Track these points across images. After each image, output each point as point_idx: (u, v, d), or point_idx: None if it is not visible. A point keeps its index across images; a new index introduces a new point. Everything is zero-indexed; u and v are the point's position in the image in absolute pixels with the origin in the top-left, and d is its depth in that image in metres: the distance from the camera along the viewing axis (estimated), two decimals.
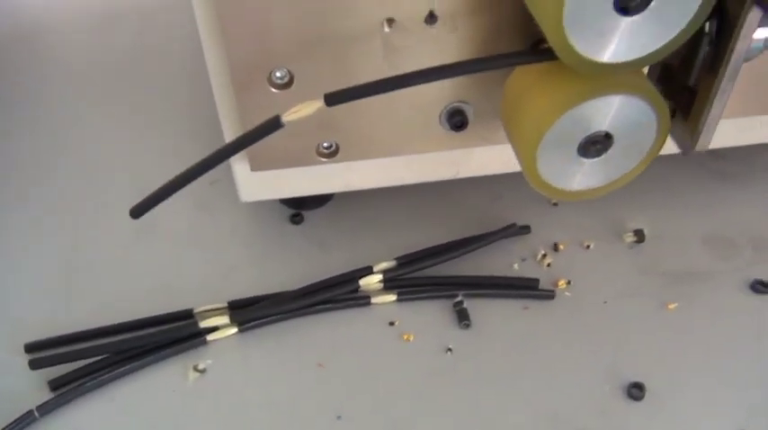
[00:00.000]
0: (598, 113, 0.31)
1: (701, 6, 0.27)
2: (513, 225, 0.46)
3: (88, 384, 0.38)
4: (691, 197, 0.49)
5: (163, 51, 0.66)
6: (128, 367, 0.39)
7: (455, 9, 0.34)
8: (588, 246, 0.45)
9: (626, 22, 0.27)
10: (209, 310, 0.42)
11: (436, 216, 0.48)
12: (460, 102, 0.39)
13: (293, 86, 0.37)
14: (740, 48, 0.28)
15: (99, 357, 0.39)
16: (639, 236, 0.46)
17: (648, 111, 0.31)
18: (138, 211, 0.35)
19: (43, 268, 0.46)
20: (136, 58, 0.65)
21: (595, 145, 0.32)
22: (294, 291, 0.43)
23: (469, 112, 0.39)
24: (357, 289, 0.43)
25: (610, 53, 0.28)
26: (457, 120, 0.39)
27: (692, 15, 0.27)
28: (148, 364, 0.40)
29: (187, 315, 0.42)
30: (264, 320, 0.42)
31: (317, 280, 0.44)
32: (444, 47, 0.36)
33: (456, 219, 0.47)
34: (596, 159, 0.33)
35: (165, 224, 0.49)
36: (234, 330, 0.41)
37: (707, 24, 0.30)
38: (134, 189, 0.51)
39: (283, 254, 0.46)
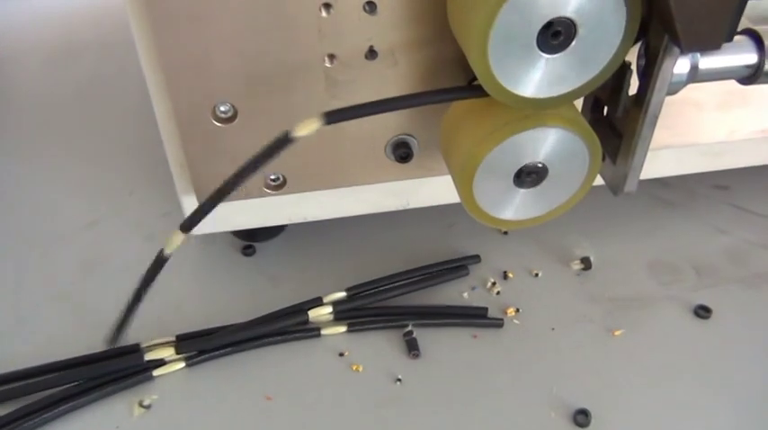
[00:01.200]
0: (532, 146, 0.32)
1: (620, 47, 0.28)
2: (465, 268, 0.46)
3: (31, 423, 0.38)
4: (636, 224, 0.50)
5: (120, 83, 0.66)
6: (71, 404, 0.39)
7: (395, 45, 0.35)
8: (537, 274, 0.46)
9: (548, 59, 0.28)
10: (156, 345, 0.41)
11: (388, 245, 0.48)
12: (405, 134, 0.39)
13: (237, 120, 0.37)
14: (659, 89, 0.30)
15: (43, 394, 0.39)
16: (586, 263, 0.46)
17: (581, 145, 0.32)
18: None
19: None
20: (92, 90, 0.65)
21: (530, 175, 0.33)
22: (243, 324, 0.43)
23: (414, 145, 0.40)
24: (307, 320, 0.43)
25: (533, 88, 0.29)
26: (402, 152, 0.39)
27: (611, 55, 0.28)
28: (93, 401, 0.39)
29: (134, 349, 0.41)
30: (213, 354, 0.41)
31: (269, 312, 0.44)
32: (385, 80, 0.36)
33: (408, 249, 0.48)
34: (532, 189, 0.33)
35: (115, 257, 0.48)
36: (181, 365, 0.41)
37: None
38: (83, 222, 0.51)
39: (234, 286, 0.46)
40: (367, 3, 0.34)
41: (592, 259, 0.46)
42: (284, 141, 0.30)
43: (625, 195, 0.34)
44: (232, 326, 0.43)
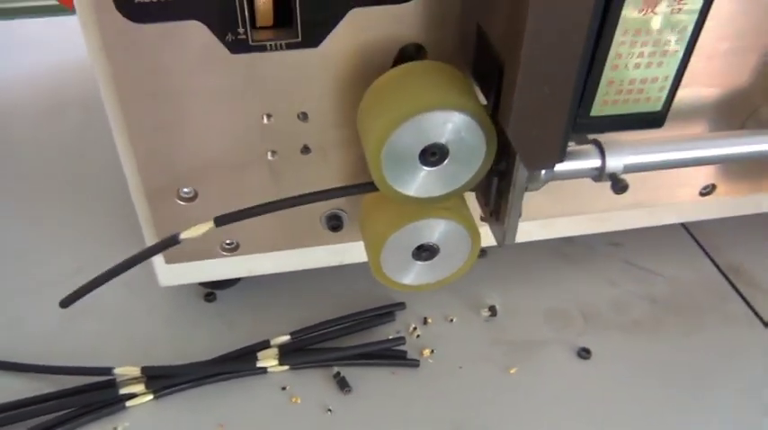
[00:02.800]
0: (427, 230, 0.41)
1: (481, 166, 0.37)
2: (392, 314, 0.55)
3: None
4: (540, 276, 0.59)
5: (101, 139, 0.74)
6: None
7: (324, 144, 0.44)
8: (452, 320, 0.55)
9: (426, 171, 0.37)
10: (129, 380, 0.50)
11: (327, 294, 0.57)
12: (337, 209, 0.48)
13: (198, 200, 0.46)
14: (517, 196, 0.39)
15: (31, 422, 0.47)
16: (493, 311, 0.55)
17: (464, 231, 0.41)
18: (67, 302, 0.43)
19: None
20: (77, 146, 0.73)
21: (425, 252, 0.42)
22: (203, 362, 0.51)
23: (345, 217, 0.48)
24: (256, 360, 0.51)
25: (414, 190, 0.38)
26: (334, 223, 0.48)
27: (475, 172, 0.38)
28: (74, 428, 0.47)
29: (110, 384, 0.49)
30: (177, 388, 0.50)
31: (225, 351, 0.52)
32: (318, 172, 0.45)
33: (344, 297, 0.56)
34: (427, 262, 0.42)
35: (94, 302, 0.56)
36: (150, 397, 0.49)
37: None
38: (69, 269, 0.59)
39: (197, 328, 0.54)
40: (300, 113, 0.43)
41: (498, 307, 0.56)
42: (173, 241, 0.39)
43: (506, 246, 0.43)
44: (194, 364, 0.51)
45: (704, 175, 0.54)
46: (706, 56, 0.45)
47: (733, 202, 0.57)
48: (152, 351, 0.53)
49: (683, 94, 0.48)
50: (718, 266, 0.61)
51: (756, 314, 0.57)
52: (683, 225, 0.64)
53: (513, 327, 0.54)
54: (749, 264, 0.61)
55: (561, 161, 0.37)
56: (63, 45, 0.88)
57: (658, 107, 0.35)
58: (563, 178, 0.42)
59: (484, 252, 0.61)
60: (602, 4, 0.30)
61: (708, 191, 0.55)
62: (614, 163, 0.41)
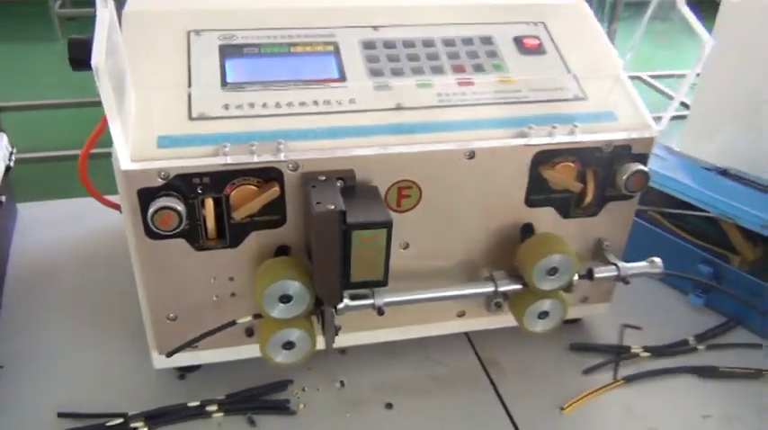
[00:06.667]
0: (287, 335, 0.85)
1: (308, 303, 0.82)
2: (285, 385, 0.97)
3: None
4: (373, 364, 1.01)
5: (120, 283, 1.18)
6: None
7: (244, 290, 0.89)
8: (318, 389, 0.97)
9: (283, 305, 0.82)
10: (136, 419, 0.91)
11: (246, 373, 0.99)
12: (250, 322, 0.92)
13: (177, 320, 0.89)
14: (329, 320, 0.83)
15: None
16: (342, 384, 0.98)
17: (305, 336, 0.85)
18: (171, 353, 0.85)
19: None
20: (107, 287, 1.17)
21: (288, 345, 0.85)
22: (175, 409, 0.92)
23: (254, 327, 0.92)
24: (206, 408, 0.92)
25: (276, 314, 0.82)
26: (249, 332, 0.92)
27: (306, 306, 0.82)
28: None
29: (125, 423, 0.90)
30: (161, 423, 0.91)
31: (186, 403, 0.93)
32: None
33: (255, 373, 0.98)
34: (289, 351, 0.86)
35: (109, 378, 0.98)
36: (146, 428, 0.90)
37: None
38: (95, 364, 1.01)
39: (174, 392, 0.96)
40: (229, 277, 0.87)
41: (345, 382, 0.98)
42: (231, 323, 0.83)
43: (332, 356, 0.86)
44: (170, 409, 0.92)
45: (457, 305, 0.99)
46: (435, 239, 0.92)
47: (477, 322, 1.01)
48: (150, 402, 0.94)
49: (431, 263, 0.94)
50: (480, 359, 1.04)
51: (496, 391, 0.99)
52: (466, 333, 1.08)
53: (353, 394, 0.96)
54: (501, 359, 1.04)
55: (340, 302, 0.82)
56: (93, 220, 1.34)
57: (380, 277, 0.80)
58: (354, 310, 0.86)
59: (343, 351, 1.03)
60: (341, 241, 0.76)
61: (461, 314, 1.00)
62: (379, 301, 0.86)
